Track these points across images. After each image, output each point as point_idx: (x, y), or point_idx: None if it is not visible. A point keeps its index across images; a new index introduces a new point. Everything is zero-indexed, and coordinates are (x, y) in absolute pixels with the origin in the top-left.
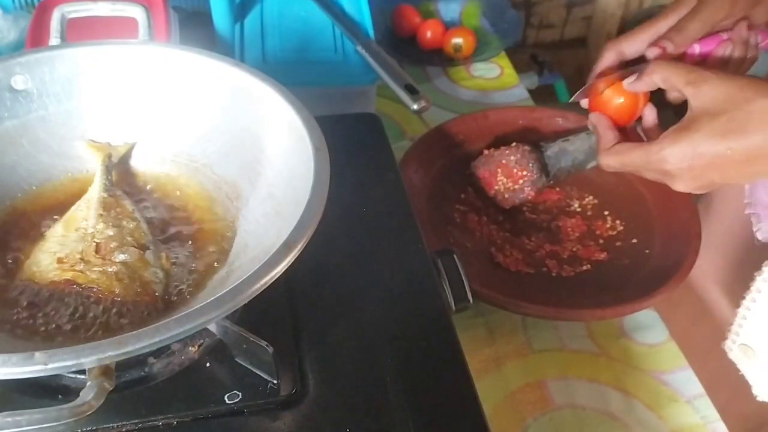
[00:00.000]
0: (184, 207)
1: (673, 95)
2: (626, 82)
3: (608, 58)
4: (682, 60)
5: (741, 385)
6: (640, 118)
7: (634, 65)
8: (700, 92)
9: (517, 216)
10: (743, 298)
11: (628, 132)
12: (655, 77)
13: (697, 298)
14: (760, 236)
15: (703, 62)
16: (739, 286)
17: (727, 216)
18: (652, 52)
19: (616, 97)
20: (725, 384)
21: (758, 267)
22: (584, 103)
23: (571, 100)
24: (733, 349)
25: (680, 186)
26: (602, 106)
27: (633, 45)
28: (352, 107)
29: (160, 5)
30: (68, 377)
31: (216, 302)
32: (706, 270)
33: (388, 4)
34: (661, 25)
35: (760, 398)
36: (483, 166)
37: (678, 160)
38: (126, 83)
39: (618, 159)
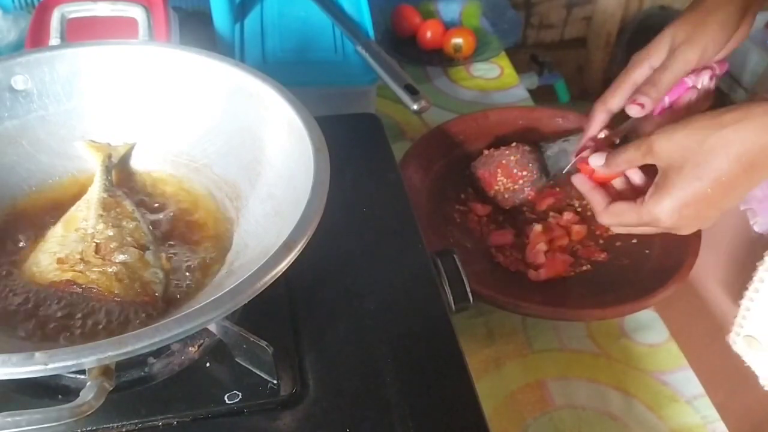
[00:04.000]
0: (184, 207)
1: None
2: (596, 165)
3: (599, 119)
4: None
5: (741, 385)
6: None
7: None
8: (657, 155)
9: (517, 216)
10: (746, 289)
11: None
12: (621, 166)
13: (697, 297)
14: (757, 228)
15: (671, 110)
16: (738, 282)
17: (727, 215)
18: (633, 111)
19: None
20: (725, 383)
21: (756, 260)
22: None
23: (570, 166)
24: (737, 341)
25: (684, 232)
26: (589, 173)
27: (616, 100)
28: (352, 107)
29: (160, 5)
30: (68, 377)
31: (216, 302)
32: (706, 268)
33: (388, 4)
34: (637, 75)
35: (767, 388)
36: (483, 166)
37: (669, 217)
38: (126, 83)
39: (616, 220)
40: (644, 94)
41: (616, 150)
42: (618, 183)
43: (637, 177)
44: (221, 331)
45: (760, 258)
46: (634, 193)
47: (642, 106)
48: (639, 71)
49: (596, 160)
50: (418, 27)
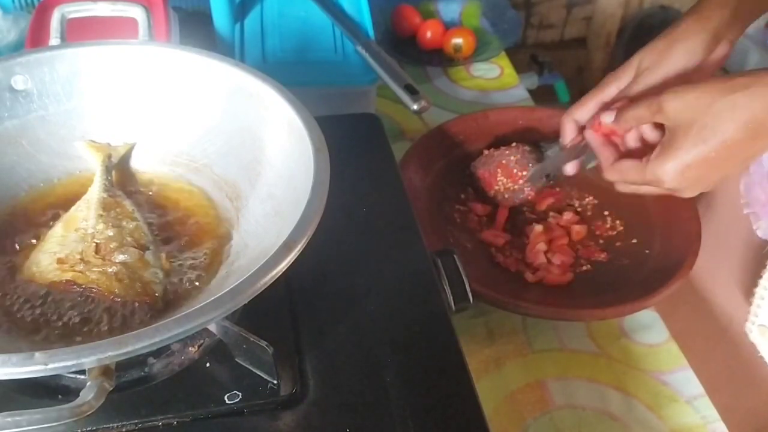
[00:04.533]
0: (184, 207)
1: (651, 134)
2: (605, 121)
3: (569, 129)
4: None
5: (741, 385)
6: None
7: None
8: (667, 114)
9: (517, 216)
10: (756, 285)
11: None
12: (630, 122)
13: (698, 297)
14: (760, 234)
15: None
16: (746, 284)
17: (727, 215)
18: (589, 135)
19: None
20: (725, 384)
21: (762, 263)
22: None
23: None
24: (753, 330)
25: (687, 194)
26: (597, 128)
27: (582, 113)
28: (352, 107)
29: (160, 5)
30: (68, 377)
31: (216, 302)
32: (711, 270)
33: (388, 4)
34: (605, 94)
35: None
36: (483, 166)
37: (672, 178)
38: (126, 83)
39: (620, 176)
40: (606, 113)
41: (626, 106)
42: (631, 141)
43: (651, 134)
44: (221, 331)
45: (763, 264)
46: (644, 153)
47: (599, 125)
48: (606, 90)
49: (607, 117)
50: (418, 27)
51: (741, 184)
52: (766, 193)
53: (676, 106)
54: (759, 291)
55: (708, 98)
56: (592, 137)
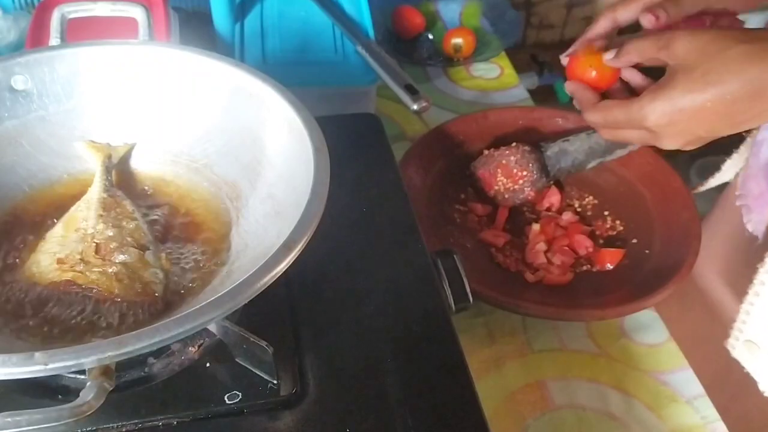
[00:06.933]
0: (184, 207)
1: (640, 81)
2: (606, 58)
3: (603, 24)
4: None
5: (741, 385)
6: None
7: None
8: (674, 51)
9: (517, 216)
10: (746, 293)
11: (611, 93)
12: (632, 54)
13: (697, 297)
14: (750, 228)
15: None
16: (738, 280)
17: (727, 211)
18: (646, 19)
19: (592, 69)
20: (725, 384)
21: (750, 260)
22: (564, 61)
23: (561, 56)
24: (736, 346)
25: (666, 143)
26: (580, 75)
27: (627, 12)
28: (352, 107)
29: (160, 5)
30: (68, 377)
31: (216, 302)
32: (706, 265)
33: (388, 4)
34: None
35: (767, 394)
36: (483, 166)
37: (658, 117)
38: (126, 83)
39: (601, 115)
40: (662, 8)
41: (629, 39)
42: (615, 90)
43: (638, 78)
44: (221, 331)
45: (760, 257)
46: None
47: (657, 17)
48: None
49: (608, 55)
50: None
51: (739, 176)
52: (760, 187)
53: (686, 44)
54: (745, 306)
55: (723, 44)
56: (575, 85)
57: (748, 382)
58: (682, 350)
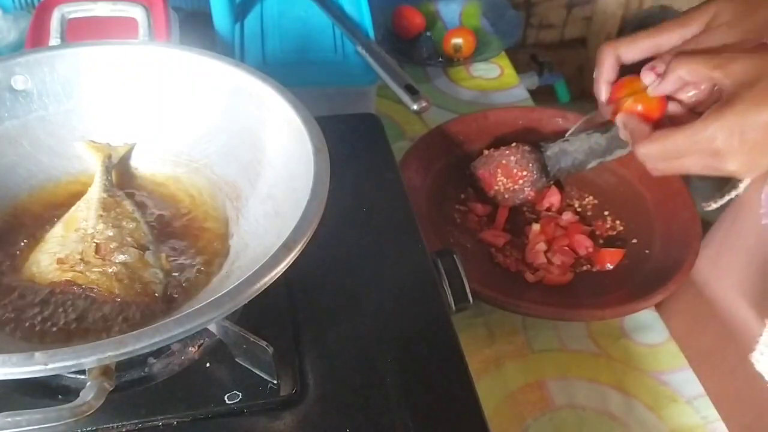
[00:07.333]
0: (184, 207)
1: (689, 96)
2: (651, 89)
3: (609, 63)
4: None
5: (741, 385)
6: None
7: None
8: (731, 70)
9: (517, 216)
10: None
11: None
12: (681, 72)
13: (697, 298)
14: None
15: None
16: (755, 289)
17: (740, 224)
18: (648, 77)
19: (637, 104)
20: (725, 384)
21: None
22: (605, 111)
23: (599, 118)
24: (761, 360)
25: (733, 166)
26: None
27: (631, 51)
28: (352, 107)
29: (160, 5)
30: (68, 377)
31: (216, 302)
32: (719, 271)
33: (388, 4)
34: (663, 40)
35: None
36: (483, 166)
37: (727, 136)
38: (126, 83)
39: (659, 145)
40: (664, 62)
41: (671, 59)
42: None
43: (682, 110)
44: (221, 331)
45: None
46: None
47: (660, 76)
48: (666, 36)
49: (648, 77)
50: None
51: (763, 193)
52: None
53: (745, 62)
54: None
55: None
56: (628, 117)
57: (748, 381)
58: (682, 350)
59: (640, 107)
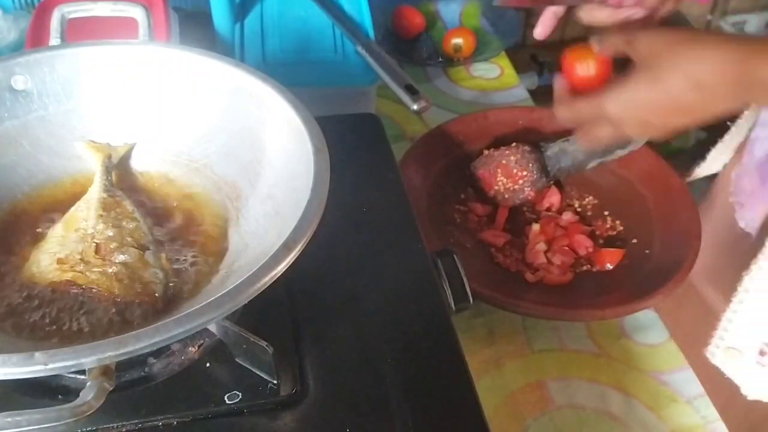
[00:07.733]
0: (184, 207)
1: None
2: (594, 48)
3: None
4: None
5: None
6: None
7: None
8: (635, 49)
9: (517, 216)
10: (730, 301)
11: None
12: (609, 47)
13: (697, 298)
14: (742, 224)
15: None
16: (726, 282)
17: (714, 209)
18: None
19: (582, 67)
20: (725, 384)
21: (741, 257)
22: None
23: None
24: (716, 354)
25: (629, 131)
26: (573, 70)
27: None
28: (352, 107)
29: (160, 5)
30: (68, 377)
31: (216, 302)
32: (709, 269)
33: (388, 4)
34: None
35: (750, 397)
36: (483, 166)
37: (618, 108)
38: (126, 83)
39: (568, 109)
40: None
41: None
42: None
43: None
44: (221, 331)
45: (746, 261)
46: None
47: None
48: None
49: (595, 44)
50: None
51: (733, 173)
52: (753, 184)
53: (645, 43)
54: (727, 314)
55: (673, 44)
56: (560, 81)
57: None
58: (682, 350)
59: (580, 71)
